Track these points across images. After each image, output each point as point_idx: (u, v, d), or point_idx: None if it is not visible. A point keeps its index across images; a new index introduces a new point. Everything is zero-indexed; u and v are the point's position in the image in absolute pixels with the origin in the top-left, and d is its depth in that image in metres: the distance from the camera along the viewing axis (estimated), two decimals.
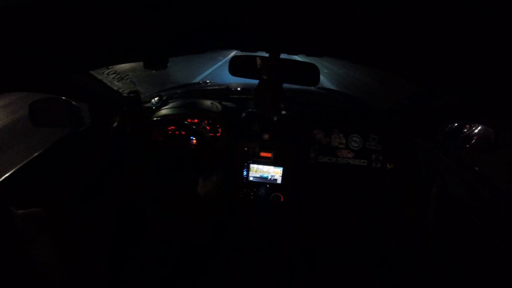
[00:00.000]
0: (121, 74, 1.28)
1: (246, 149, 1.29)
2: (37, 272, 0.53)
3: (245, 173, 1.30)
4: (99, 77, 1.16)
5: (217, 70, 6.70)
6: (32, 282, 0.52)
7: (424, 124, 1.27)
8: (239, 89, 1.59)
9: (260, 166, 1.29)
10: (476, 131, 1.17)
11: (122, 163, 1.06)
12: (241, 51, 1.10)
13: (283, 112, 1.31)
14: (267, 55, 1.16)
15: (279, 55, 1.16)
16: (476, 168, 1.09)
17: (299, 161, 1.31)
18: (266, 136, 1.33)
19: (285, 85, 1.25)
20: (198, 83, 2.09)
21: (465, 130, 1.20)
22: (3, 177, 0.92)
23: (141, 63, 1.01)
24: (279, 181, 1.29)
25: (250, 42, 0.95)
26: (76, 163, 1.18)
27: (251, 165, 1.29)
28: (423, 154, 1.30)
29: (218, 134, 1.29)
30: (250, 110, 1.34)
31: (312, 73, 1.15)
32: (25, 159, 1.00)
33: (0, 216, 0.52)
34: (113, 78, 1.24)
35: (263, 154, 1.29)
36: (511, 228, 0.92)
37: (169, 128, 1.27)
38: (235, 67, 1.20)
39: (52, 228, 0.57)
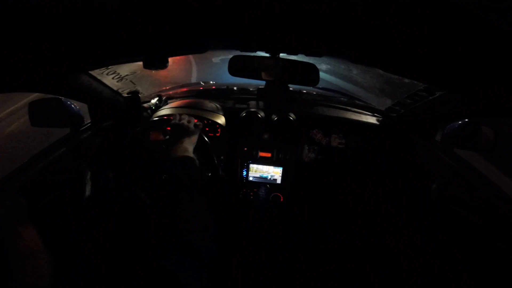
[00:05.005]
0: (120, 74, 1.28)
1: (245, 149, 1.29)
2: (23, 264, 0.53)
3: (244, 173, 1.30)
4: (99, 77, 1.16)
5: None
6: (17, 274, 0.51)
7: (424, 124, 1.26)
8: (239, 89, 1.59)
9: (260, 166, 1.29)
10: (476, 131, 1.17)
11: (122, 163, 1.05)
12: (241, 51, 1.10)
13: (283, 112, 1.31)
14: (266, 55, 1.17)
15: (279, 55, 1.16)
16: (476, 168, 1.09)
17: (299, 161, 1.31)
18: (266, 136, 1.33)
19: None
20: (198, 83, 2.09)
21: (465, 130, 1.20)
22: (2, 177, 0.92)
23: (140, 63, 1.01)
24: (278, 181, 1.29)
25: (250, 42, 0.96)
26: (76, 163, 1.18)
27: (251, 165, 1.29)
28: (423, 154, 1.30)
29: (218, 134, 1.29)
30: (250, 110, 1.33)
31: (311, 72, 1.15)
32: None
33: None
34: (113, 78, 1.24)
35: (262, 154, 1.29)
36: (511, 228, 0.92)
37: (168, 128, 1.27)
38: (235, 67, 1.20)
39: (34, 219, 0.56)
